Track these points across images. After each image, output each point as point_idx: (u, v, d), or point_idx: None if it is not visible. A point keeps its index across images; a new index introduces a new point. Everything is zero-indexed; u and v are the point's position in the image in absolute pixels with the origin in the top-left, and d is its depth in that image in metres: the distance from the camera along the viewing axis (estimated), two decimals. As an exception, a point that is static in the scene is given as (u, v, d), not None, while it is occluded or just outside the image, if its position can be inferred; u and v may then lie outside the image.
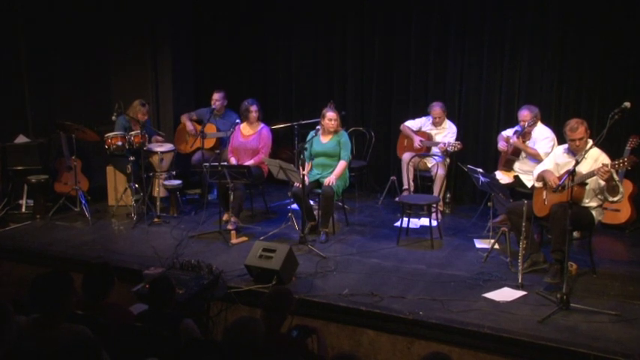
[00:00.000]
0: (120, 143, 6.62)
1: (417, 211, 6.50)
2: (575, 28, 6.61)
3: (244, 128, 6.67)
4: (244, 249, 5.44)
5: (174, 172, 6.99)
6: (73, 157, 6.81)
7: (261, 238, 5.82)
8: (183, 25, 8.06)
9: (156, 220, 6.52)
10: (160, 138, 7.13)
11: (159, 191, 6.76)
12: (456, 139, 6.66)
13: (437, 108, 6.77)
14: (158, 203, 6.68)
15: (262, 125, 6.66)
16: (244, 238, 5.98)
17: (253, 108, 6.59)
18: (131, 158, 6.56)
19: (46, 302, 3.15)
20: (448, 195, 7.13)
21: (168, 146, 7.05)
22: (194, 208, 6.96)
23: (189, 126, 7.33)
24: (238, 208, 6.21)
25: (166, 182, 6.79)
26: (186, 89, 8.16)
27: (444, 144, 6.57)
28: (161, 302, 3.69)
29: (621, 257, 5.83)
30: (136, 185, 6.65)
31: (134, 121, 6.82)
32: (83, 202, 6.71)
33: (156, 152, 6.84)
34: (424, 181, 6.78)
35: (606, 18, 6.41)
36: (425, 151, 6.82)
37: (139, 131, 6.63)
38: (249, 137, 6.61)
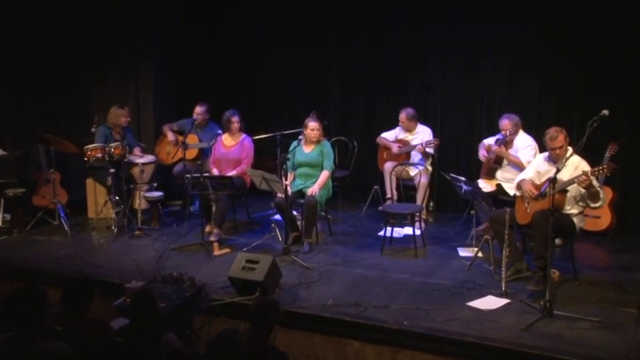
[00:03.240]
0: (100, 155, 6.57)
1: (401, 220, 6.53)
2: (553, 36, 6.71)
3: (226, 139, 6.67)
4: (227, 261, 5.42)
5: (155, 184, 6.95)
6: (52, 170, 6.73)
7: (244, 249, 5.81)
8: (166, 35, 8.03)
9: (137, 232, 6.48)
10: (137, 152, 7.07)
11: (140, 203, 6.72)
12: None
13: (401, 114, 6.88)
14: (139, 215, 6.64)
15: (244, 136, 6.66)
16: (227, 250, 5.96)
17: (235, 119, 6.59)
18: (111, 170, 6.50)
19: (21, 318, 3.10)
20: (431, 204, 7.18)
21: (149, 157, 7.01)
22: (176, 220, 6.92)
23: (171, 136, 7.30)
24: (221, 220, 6.18)
25: (147, 194, 6.75)
26: (168, 100, 8.12)
27: (422, 144, 6.64)
28: (143, 316, 3.65)
29: (602, 264, 5.91)
30: (117, 197, 6.59)
31: (116, 129, 6.77)
32: (62, 215, 6.64)
33: (137, 164, 6.81)
34: (407, 190, 6.81)
35: (585, 26, 6.52)
36: (405, 159, 6.88)
37: (119, 143, 6.59)
38: (231, 148, 6.61)
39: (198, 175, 5.99)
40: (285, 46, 8.01)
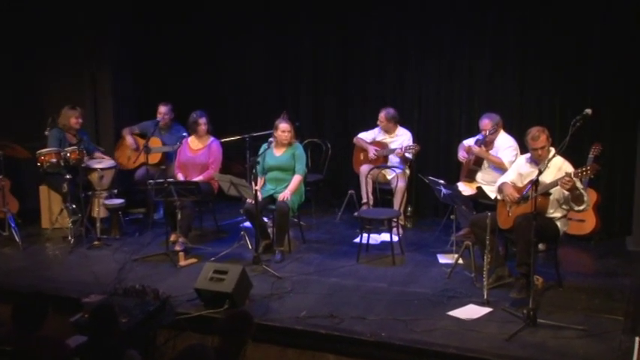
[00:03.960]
0: (54, 160, 6.46)
1: (377, 226, 6.55)
2: (534, 34, 6.81)
3: (192, 142, 6.62)
4: (194, 271, 5.38)
5: (115, 191, 6.88)
6: (1, 177, 6.59)
7: (212, 259, 5.78)
8: (125, 33, 7.96)
9: (96, 243, 6.40)
10: (99, 154, 6.98)
11: (99, 211, 6.64)
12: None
13: (381, 113, 6.90)
14: (98, 224, 6.56)
15: (212, 139, 6.63)
16: (193, 260, 5.92)
17: (202, 120, 6.55)
18: (67, 176, 6.40)
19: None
20: (409, 208, 7.21)
21: (108, 162, 6.93)
22: (138, 229, 6.85)
23: (130, 140, 7.22)
24: (187, 228, 6.14)
25: (107, 201, 6.67)
26: (128, 101, 8.03)
27: (401, 149, 6.67)
28: (102, 332, 3.61)
29: (587, 269, 6.00)
30: (74, 205, 6.49)
31: (70, 131, 6.67)
32: (13, 225, 6.50)
33: (95, 169, 6.72)
34: (384, 194, 6.83)
35: (567, 23, 6.63)
36: (382, 161, 6.90)
37: (75, 147, 6.49)
38: (198, 152, 6.57)
39: (162, 180, 5.94)
40: (253, 45, 8.00)
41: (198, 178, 6.38)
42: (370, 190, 6.85)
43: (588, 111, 4.60)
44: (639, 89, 6.21)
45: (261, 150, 6.17)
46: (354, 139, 7.18)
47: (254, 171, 5.99)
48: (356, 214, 6.75)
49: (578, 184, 4.85)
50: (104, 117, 7.83)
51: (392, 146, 6.89)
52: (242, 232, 6.28)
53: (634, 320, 4.58)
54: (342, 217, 7.35)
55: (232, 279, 4.83)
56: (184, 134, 6.64)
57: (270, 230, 6.22)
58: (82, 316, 4.46)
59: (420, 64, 7.35)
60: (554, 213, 5.11)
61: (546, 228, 4.96)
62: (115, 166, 6.97)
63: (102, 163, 6.87)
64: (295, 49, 7.87)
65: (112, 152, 7.44)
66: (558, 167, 5.00)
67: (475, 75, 7.13)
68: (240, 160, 7.35)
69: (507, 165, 5.86)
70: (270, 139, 6.19)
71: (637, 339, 4.23)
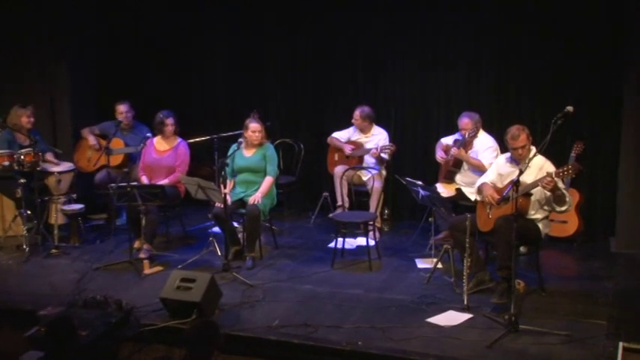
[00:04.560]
0: (7, 163, 6.36)
1: (353, 230, 6.56)
2: (514, 30, 6.88)
3: (159, 143, 6.59)
4: (159, 280, 5.35)
5: (74, 195, 6.81)
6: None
7: (179, 266, 5.76)
8: (84, 27, 7.86)
9: (53, 251, 6.32)
10: (49, 156, 6.86)
11: (56, 218, 6.56)
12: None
13: (356, 111, 6.93)
14: (56, 232, 6.48)
15: (179, 140, 6.61)
16: (159, 268, 5.89)
17: (169, 121, 6.52)
18: (21, 180, 6.30)
19: None
20: (386, 211, 7.24)
21: (66, 165, 6.86)
22: (99, 236, 6.80)
23: (92, 140, 7.15)
24: (151, 234, 6.10)
25: (65, 207, 6.60)
26: (88, 101, 7.93)
27: (376, 148, 6.69)
28: (60, 347, 3.57)
29: (570, 272, 6.08)
30: (28, 212, 6.41)
31: (20, 131, 6.56)
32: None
33: (52, 173, 6.64)
34: (359, 196, 6.85)
35: (547, 18, 6.71)
36: (357, 162, 6.92)
37: (30, 149, 6.40)
38: (165, 153, 6.54)
39: (125, 184, 5.89)
40: (222, 42, 7.97)
41: (163, 182, 6.34)
42: (345, 192, 6.86)
43: (569, 108, 4.66)
44: (621, 86, 6.31)
45: (231, 151, 6.14)
46: (328, 139, 7.19)
47: (223, 173, 5.97)
48: (331, 216, 6.76)
49: (560, 184, 4.91)
50: (61, 116, 7.71)
51: (367, 146, 6.92)
52: (210, 238, 6.25)
53: (618, 325, 4.65)
54: (315, 220, 7.36)
55: (200, 287, 4.80)
56: (148, 134, 6.61)
57: (240, 235, 6.20)
58: (38, 330, 4.39)
59: (395, 61, 7.39)
60: (536, 214, 5.17)
61: (528, 230, 5.02)
62: (73, 169, 6.89)
63: (60, 166, 6.77)
64: (267, 47, 7.85)
65: (71, 154, 7.35)
66: (539, 167, 5.06)
67: (453, 72, 7.18)
68: (208, 161, 7.34)
69: (488, 167, 5.89)
70: (240, 140, 6.17)
71: (621, 344, 4.29)
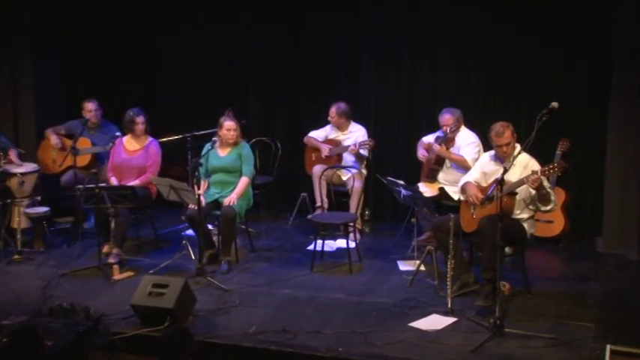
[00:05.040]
0: (-35, 164, 6.30)
1: (333, 232, 6.57)
2: (498, 24, 6.94)
3: (129, 142, 6.56)
4: (130, 286, 5.33)
5: (38, 198, 6.75)
6: None
7: (151, 271, 5.74)
8: (48, 24, 7.78)
9: (16, 257, 6.27)
10: (12, 154, 6.78)
11: (19, 221, 6.48)
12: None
13: (332, 108, 6.95)
14: (19, 236, 6.41)
15: (150, 139, 6.59)
16: (129, 273, 5.86)
17: (140, 119, 6.49)
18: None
19: None
20: (367, 212, 7.26)
21: (30, 166, 6.79)
22: (66, 240, 6.75)
23: (55, 140, 7.09)
24: (121, 238, 6.07)
25: (29, 210, 6.54)
26: (53, 98, 7.85)
27: (355, 145, 6.71)
28: (24, 358, 3.50)
29: (556, 273, 6.15)
30: (-11, 215, 6.35)
31: None
32: None
33: (14, 174, 6.56)
34: (339, 196, 6.87)
35: (532, 13, 6.77)
36: (336, 161, 6.93)
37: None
38: (135, 153, 6.51)
39: (93, 185, 5.85)
40: (196, 38, 7.95)
41: (134, 183, 6.31)
42: (324, 192, 6.87)
43: (554, 104, 4.71)
44: (607, 82, 6.38)
45: (204, 150, 6.13)
46: (305, 139, 7.20)
47: (196, 174, 5.96)
48: (309, 217, 6.75)
49: (545, 183, 4.96)
50: (25, 115, 7.63)
51: (345, 144, 6.93)
52: (184, 241, 6.25)
53: (605, 327, 4.71)
54: (294, 222, 7.37)
55: (173, 293, 4.78)
56: (118, 133, 6.58)
57: (215, 238, 6.18)
58: (0, 340, 4.33)
59: (376, 57, 7.42)
60: (521, 214, 5.21)
61: (513, 230, 5.06)
62: (37, 170, 6.82)
63: (22, 167, 6.70)
64: (242, 42, 7.84)
65: (34, 154, 7.28)
66: (524, 165, 5.11)
67: (435, 68, 7.23)
68: (181, 161, 7.28)
69: (470, 163, 5.96)
70: (214, 139, 6.16)
71: (608, 347, 4.35)
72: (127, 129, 6.55)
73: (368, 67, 7.47)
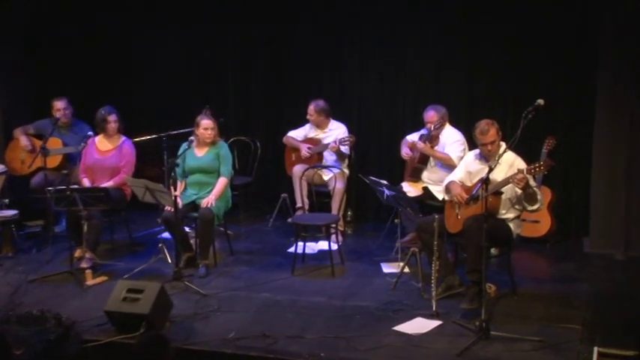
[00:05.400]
0: None
1: (314, 234, 6.57)
2: (484, 20, 6.98)
3: (101, 142, 6.53)
4: (103, 291, 5.29)
5: (6, 200, 6.71)
6: None
7: (125, 276, 5.73)
8: (15, 20, 7.71)
9: (-17, 262, 6.21)
10: None
11: (-14, 225, 6.41)
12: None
13: (310, 106, 6.98)
14: (-14, 241, 6.36)
15: (124, 139, 6.56)
16: (103, 278, 5.83)
17: (112, 117, 6.46)
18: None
19: None
20: (349, 212, 7.28)
21: (-3, 167, 6.73)
22: (36, 245, 6.72)
23: (24, 141, 7.04)
24: (94, 242, 6.04)
25: (-3, 213, 6.48)
26: (20, 97, 7.78)
27: (335, 142, 6.73)
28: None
29: (543, 274, 6.21)
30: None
31: None
32: None
33: (-18, 176, 6.50)
34: (321, 197, 6.88)
35: (517, 10, 6.81)
36: (317, 161, 6.94)
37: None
38: (108, 153, 6.49)
39: (65, 187, 5.80)
40: (172, 33, 7.93)
41: (107, 184, 6.29)
42: (305, 193, 6.87)
43: (540, 101, 4.74)
44: (594, 79, 6.44)
45: (181, 150, 6.11)
46: (284, 139, 7.22)
47: (173, 174, 5.93)
48: (290, 220, 6.76)
49: (531, 182, 4.99)
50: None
51: (325, 142, 6.95)
52: (160, 245, 6.22)
53: (593, 329, 4.75)
54: (274, 224, 7.38)
55: (149, 298, 4.76)
56: (90, 133, 6.54)
57: (192, 241, 6.17)
58: (-32, 349, 4.30)
59: (358, 53, 7.45)
60: (507, 214, 5.25)
61: (498, 230, 5.09)
62: (4, 171, 6.77)
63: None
64: (220, 38, 7.83)
65: (2, 155, 7.24)
66: (510, 164, 5.14)
67: (419, 65, 7.26)
68: (156, 162, 7.26)
69: (456, 161, 5.99)
70: (191, 138, 6.14)
71: (595, 349, 4.39)
72: (98, 128, 6.51)
73: (350, 65, 7.49)
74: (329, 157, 6.97)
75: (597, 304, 5.27)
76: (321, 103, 6.97)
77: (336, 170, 6.77)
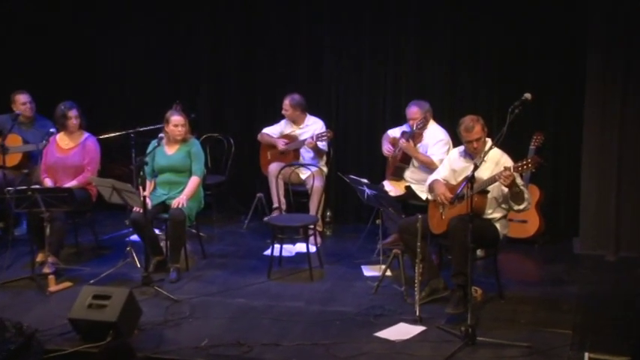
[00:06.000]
0: None
1: (291, 235, 6.57)
2: (468, 11, 7.02)
3: (62, 140, 6.49)
4: (68, 298, 5.25)
5: (-37, 202, 6.60)
6: None
7: (91, 281, 5.70)
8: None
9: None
10: None
11: (-60, 228, 6.36)
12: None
13: (285, 101, 6.99)
14: (-61, 245, 6.30)
15: (86, 135, 6.52)
16: (67, 284, 5.79)
17: (72, 113, 6.41)
18: None
19: None
20: (328, 213, 7.29)
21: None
22: (-6, 249, 6.63)
23: None
24: (58, 245, 6.02)
25: (-48, 215, 6.40)
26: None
27: (312, 138, 6.74)
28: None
29: (531, 277, 6.26)
30: None
31: None
32: None
33: None
34: (298, 196, 6.88)
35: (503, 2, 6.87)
36: (294, 158, 6.95)
37: None
38: (70, 151, 6.45)
39: (25, 187, 5.76)
40: (139, 18, 7.88)
41: (71, 184, 6.25)
42: (282, 192, 6.87)
43: (527, 95, 4.77)
44: (583, 73, 6.49)
45: (150, 148, 6.09)
46: (259, 136, 7.23)
47: (141, 173, 5.88)
48: (266, 220, 6.75)
49: (518, 180, 5.02)
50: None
51: (302, 137, 6.96)
52: (128, 248, 6.19)
53: (583, 334, 4.79)
54: (249, 225, 7.38)
55: (117, 305, 4.73)
56: (52, 130, 6.47)
57: (162, 244, 6.16)
58: None
59: (336, 44, 7.45)
60: (493, 213, 5.27)
61: (484, 231, 5.12)
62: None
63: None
64: (191, 27, 7.80)
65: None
66: (496, 161, 5.17)
67: (401, 56, 7.27)
68: (124, 160, 7.24)
69: (438, 164, 6.00)
70: (161, 135, 6.11)
71: (586, 355, 4.43)
72: (58, 125, 6.46)
73: (328, 59, 7.49)
74: (306, 154, 6.97)
75: (588, 308, 5.31)
76: (296, 97, 6.96)
77: (313, 168, 6.77)
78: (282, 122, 7.14)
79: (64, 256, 6.23)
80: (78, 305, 4.81)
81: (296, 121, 7.05)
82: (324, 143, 6.85)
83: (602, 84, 6.35)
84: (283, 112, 7.03)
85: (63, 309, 5.01)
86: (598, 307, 5.38)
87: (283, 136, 7.08)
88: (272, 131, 7.15)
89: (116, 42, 7.94)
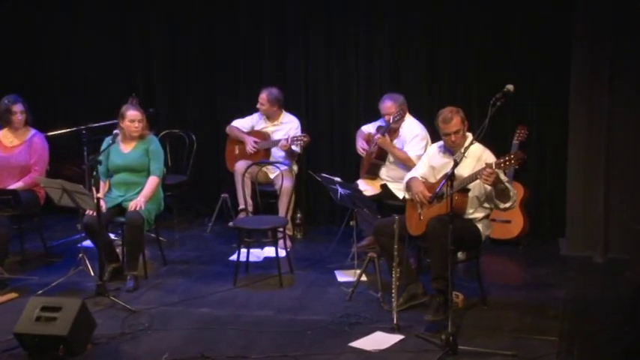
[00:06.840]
0: None
1: (259, 239, 6.55)
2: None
3: (5, 137, 6.46)
4: (13, 310, 5.19)
5: None
6: None
7: (39, 292, 5.66)
8: None
9: None
10: None
11: None
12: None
13: (262, 93, 6.96)
14: None
15: (33, 132, 6.49)
16: (12, 295, 5.73)
17: (17, 108, 6.38)
18: None
19: None
20: (298, 214, 7.28)
21: None
22: None
23: None
24: (2, 252, 5.96)
25: None
26: None
27: (287, 140, 6.71)
28: None
29: (515, 280, 6.30)
30: None
31: None
32: None
33: None
34: (266, 197, 6.86)
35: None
36: (263, 156, 6.91)
37: None
38: (15, 149, 6.42)
39: (-34, 189, 5.69)
40: (90, 5, 7.80)
41: (16, 185, 6.22)
42: (248, 192, 6.85)
43: (509, 87, 4.79)
44: (568, 64, 6.54)
45: (104, 146, 6.05)
46: (227, 129, 7.17)
47: (95, 173, 5.84)
48: (231, 224, 6.73)
49: (502, 176, 5.04)
50: None
51: (275, 136, 6.94)
52: (80, 255, 6.16)
53: (570, 341, 4.83)
54: (213, 229, 7.38)
55: (68, 317, 4.69)
56: (-4, 127, 6.40)
57: (118, 250, 6.13)
58: None
59: (304, 35, 7.45)
60: (475, 213, 5.29)
61: (466, 232, 5.13)
62: None
63: None
64: (146, 15, 7.77)
65: None
66: (477, 157, 5.19)
67: (374, 48, 7.29)
68: (75, 159, 7.17)
69: (415, 160, 6.03)
70: (116, 132, 6.08)
71: (574, 362, 4.47)
72: (2, 121, 6.42)
73: (295, 51, 7.48)
74: (277, 152, 6.94)
75: (575, 313, 5.36)
76: (274, 91, 6.93)
77: (283, 167, 6.75)
78: (256, 116, 7.10)
79: (9, 264, 6.18)
80: (24, 318, 4.76)
81: (271, 117, 7.02)
82: (298, 147, 6.82)
83: (589, 74, 6.40)
84: (259, 105, 6.99)
85: (8, 323, 4.94)
86: (586, 311, 5.43)
87: (254, 132, 7.04)
88: (243, 124, 7.11)
89: (64, 27, 7.86)
